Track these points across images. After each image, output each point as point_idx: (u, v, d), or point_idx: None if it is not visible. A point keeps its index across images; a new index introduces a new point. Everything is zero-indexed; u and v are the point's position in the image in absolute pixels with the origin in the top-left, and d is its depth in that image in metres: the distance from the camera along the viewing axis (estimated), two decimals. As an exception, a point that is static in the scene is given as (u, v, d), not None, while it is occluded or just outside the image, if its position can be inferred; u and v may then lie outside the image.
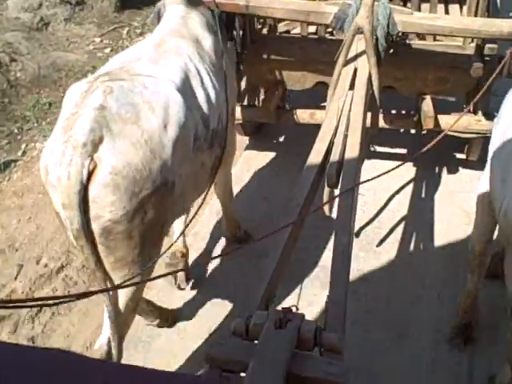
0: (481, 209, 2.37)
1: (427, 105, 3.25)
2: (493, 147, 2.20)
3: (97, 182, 1.82)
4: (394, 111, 3.67)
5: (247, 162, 3.90)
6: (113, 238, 1.92)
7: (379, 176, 2.13)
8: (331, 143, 2.26)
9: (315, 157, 2.23)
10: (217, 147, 2.38)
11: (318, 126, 2.36)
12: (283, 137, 4.18)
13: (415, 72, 3.16)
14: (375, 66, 2.47)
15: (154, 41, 2.35)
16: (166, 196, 2.00)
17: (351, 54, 2.53)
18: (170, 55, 2.24)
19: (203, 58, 2.40)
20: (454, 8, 3.41)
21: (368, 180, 2.05)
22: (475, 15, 2.91)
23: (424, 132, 3.44)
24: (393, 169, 2.09)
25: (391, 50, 2.72)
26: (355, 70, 2.50)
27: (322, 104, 3.64)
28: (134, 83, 1.98)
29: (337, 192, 2.16)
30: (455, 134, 3.18)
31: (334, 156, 2.18)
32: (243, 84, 3.62)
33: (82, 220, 1.83)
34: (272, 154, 3.98)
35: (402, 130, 3.88)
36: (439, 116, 3.26)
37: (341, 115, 2.35)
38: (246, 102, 3.66)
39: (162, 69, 2.15)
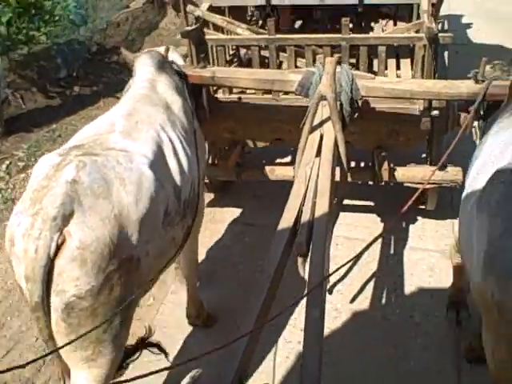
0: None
1: (382, 158, 3.58)
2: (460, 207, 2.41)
3: (64, 256, 1.95)
4: (353, 164, 4.00)
5: (212, 223, 4.14)
6: (76, 314, 2.01)
7: (349, 261, 2.43)
8: (300, 211, 2.43)
9: (285, 226, 2.40)
10: (189, 218, 2.54)
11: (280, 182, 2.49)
12: (250, 193, 4.48)
13: (369, 126, 3.45)
14: (340, 132, 2.72)
15: (126, 109, 2.55)
16: (131, 272, 2.12)
17: (317, 121, 2.77)
18: (143, 126, 2.43)
19: (174, 124, 2.61)
20: (405, 62, 3.75)
21: (337, 269, 2.21)
22: (422, 74, 3.26)
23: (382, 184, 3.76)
24: (368, 246, 2.28)
25: (356, 115, 2.95)
26: (321, 136, 2.74)
27: (280, 160, 4.15)
28: (107, 158, 2.15)
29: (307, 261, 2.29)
30: (412, 185, 3.54)
31: (304, 224, 2.35)
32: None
33: (42, 293, 1.94)
34: (238, 211, 4.25)
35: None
36: (395, 168, 3.63)
37: (309, 182, 2.53)
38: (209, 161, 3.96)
39: (135, 142, 2.32)
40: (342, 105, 2.81)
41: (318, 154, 2.64)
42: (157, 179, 2.24)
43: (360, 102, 2.96)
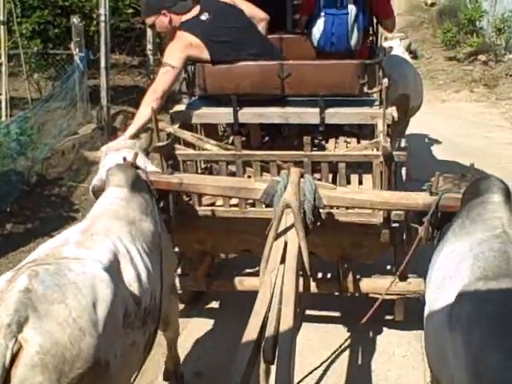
0: None
1: (346, 269, 3.98)
2: (425, 320, 2.66)
3: (24, 363, 2.03)
4: (320, 275, 4.37)
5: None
6: None
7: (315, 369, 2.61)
8: (266, 318, 2.71)
9: (251, 332, 2.66)
10: (150, 324, 2.73)
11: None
12: (219, 303, 4.81)
13: (332, 238, 3.85)
14: (304, 239, 3.04)
15: (83, 226, 2.79)
16: (99, 376, 2.24)
17: (281, 228, 3.10)
18: (98, 237, 2.65)
19: (136, 238, 2.83)
20: (367, 178, 4.19)
21: (305, 376, 2.49)
22: (381, 188, 3.69)
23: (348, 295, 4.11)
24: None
25: (318, 223, 3.31)
26: (285, 244, 3.06)
27: (249, 270, 4.45)
28: (59, 266, 2.31)
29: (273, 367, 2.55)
30: (377, 296, 3.80)
31: (269, 331, 2.62)
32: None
33: None
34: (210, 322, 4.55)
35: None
36: (360, 279, 4.02)
37: (274, 288, 2.83)
38: (179, 271, 4.27)
39: (88, 251, 2.53)
40: (305, 213, 3.15)
41: (283, 260, 2.95)
42: (112, 281, 2.40)
43: (322, 212, 3.34)
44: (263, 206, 3.71)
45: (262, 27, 4.40)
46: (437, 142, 8.85)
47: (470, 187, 2.96)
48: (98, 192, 3.26)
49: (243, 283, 4.16)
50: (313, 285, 3.95)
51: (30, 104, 8.28)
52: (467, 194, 2.93)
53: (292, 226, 3.07)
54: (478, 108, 10.91)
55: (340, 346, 4.14)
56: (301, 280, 3.13)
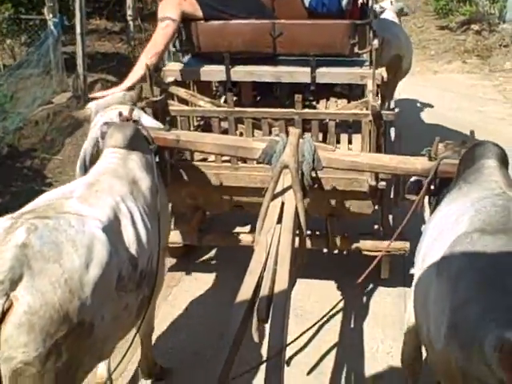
0: (408, 328, 3.06)
1: (334, 225, 4.31)
2: (415, 272, 2.82)
3: (11, 321, 2.11)
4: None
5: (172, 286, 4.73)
6: (24, 381, 2.20)
7: (307, 330, 2.89)
8: (261, 277, 2.85)
9: (245, 292, 2.79)
10: (145, 287, 2.83)
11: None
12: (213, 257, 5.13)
13: (322, 196, 4.09)
14: (301, 201, 3.18)
15: (88, 179, 2.90)
16: (82, 338, 2.34)
17: (278, 189, 3.23)
18: (102, 194, 2.75)
19: (137, 198, 2.94)
20: (356, 137, 4.47)
21: (297, 337, 2.74)
22: (369, 148, 3.99)
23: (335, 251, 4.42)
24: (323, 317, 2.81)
25: (315, 185, 3.48)
26: (282, 204, 3.19)
27: (240, 225, 4.89)
28: (59, 221, 2.39)
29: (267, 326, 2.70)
30: (365, 253, 4.26)
31: (264, 290, 2.76)
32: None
33: None
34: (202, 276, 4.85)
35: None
36: (347, 236, 4.37)
37: (269, 249, 2.95)
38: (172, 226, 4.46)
39: (91, 208, 2.61)
40: (303, 174, 3.30)
41: (279, 221, 3.09)
42: (110, 243, 2.48)
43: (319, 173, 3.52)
44: (254, 162, 3.97)
45: None
46: (429, 106, 9.24)
47: (466, 154, 3.09)
48: (89, 163, 3.35)
49: (234, 238, 4.48)
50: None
51: (2, 70, 8.33)
52: (463, 161, 3.07)
53: (289, 187, 3.21)
54: (471, 80, 11.10)
55: (332, 306, 4.34)
56: (297, 240, 3.27)
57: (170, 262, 4.94)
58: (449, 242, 2.44)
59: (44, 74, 8.64)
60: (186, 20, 4.39)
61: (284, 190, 3.23)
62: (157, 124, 3.75)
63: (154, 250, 2.92)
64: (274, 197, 3.22)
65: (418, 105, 9.31)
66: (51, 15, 8.55)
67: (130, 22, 11.08)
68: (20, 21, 9.48)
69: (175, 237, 4.52)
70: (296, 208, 3.15)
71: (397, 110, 4.33)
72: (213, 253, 5.17)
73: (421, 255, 2.78)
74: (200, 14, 4.33)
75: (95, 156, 3.32)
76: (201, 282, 4.79)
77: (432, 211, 3.17)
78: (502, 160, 2.96)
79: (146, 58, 4.15)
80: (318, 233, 4.57)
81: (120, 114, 3.37)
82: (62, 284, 2.23)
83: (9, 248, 2.19)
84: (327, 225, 4.40)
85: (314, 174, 3.43)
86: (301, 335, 2.89)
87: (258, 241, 3.06)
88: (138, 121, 3.43)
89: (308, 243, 4.18)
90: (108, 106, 3.64)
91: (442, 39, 13.56)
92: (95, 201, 2.68)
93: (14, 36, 9.56)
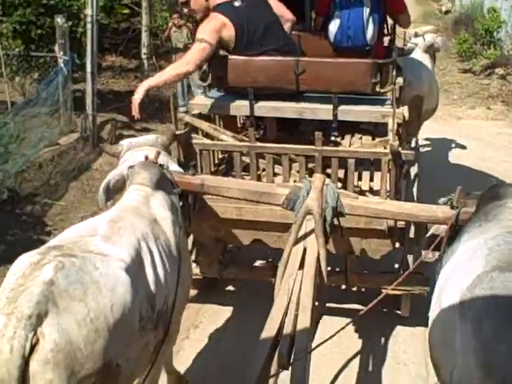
0: None
1: (353, 263, 4.59)
2: (431, 312, 2.98)
3: (37, 358, 2.32)
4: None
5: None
6: None
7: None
8: (282, 322, 3.05)
9: (267, 337, 2.99)
10: (160, 329, 3.04)
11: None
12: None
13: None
14: (323, 247, 3.41)
15: (111, 216, 3.13)
16: (109, 378, 2.55)
17: (301, 234, 3.45)
18: (124, 232, 2.98)
19: (158, 238, 3.17)
20: (378, 175, 4.70)
21: None
22: (389, 182, 4.29)
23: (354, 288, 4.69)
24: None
25: (338, 232, 3.71)
26: (304, 249, 3.41)
27: (260, 259, 5.24)
28: (85, 261, 2.61)
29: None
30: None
31: (286, 336, 2.96)
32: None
33: None
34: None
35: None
36: (366, 274, 4.69)
37: (291, 294, 3.16)
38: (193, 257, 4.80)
39: (114, 247, 2.84)
40: (325, 220, 3.51)
41: (301, 266, 3.30)
42: (132, 285, 2.70)
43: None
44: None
45: (287, 27, 4.99)
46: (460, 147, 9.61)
47: (487, 192, 3.32)
48: (113, 189, 3.64)
49: (254, 271, 4.83)
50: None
51: (10, 109, 8.46)
52: (484, 199, 3.29)
53: (312, 231, 3.44)
54: (496, 127, 11.25)
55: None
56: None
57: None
58: (464, 279, 2.63)
59: (52, 112, 8.86)
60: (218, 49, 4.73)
61: (306, 235, 3.46)
62: (181, 170, 3.99)
63: (171, 292, 3.14)
64: (297, 242, 3.44)
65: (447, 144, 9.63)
66: (62, 53, 8.90)
67: (145, 61, 11.46)
68: (31, 58, 9.76)
69: (195, 269, 4.84)
70: (318, 254, 3.37)
71: (422, 149, 4.58)
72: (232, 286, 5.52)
73: (436, 291, 2.96)
74: (233, 43, 4.70)
75: (119, 185, 3.62)
76: (220, 316, 5.11)
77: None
78: None
79: (174, 68, 4.60)
80: (337, 269, 4.85)
81: (146, 158, 3.62)
82: (88, 323, 2.44)
83: (36, 284, 2.40)
84: (346, 262, 4.65)
85: (340, 221, 3.69)
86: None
87: (280, 286, 3.28)
88: (164, 165, 3.68)
89: (328, 280, 4.44)
90: (139, 146, 3.92)
91: (464, 83, 13.83)
92: (118, 239, 2.91)
93: (24, 73, 9.85)
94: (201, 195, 4.40)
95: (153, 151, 3.72)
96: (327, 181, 3.67)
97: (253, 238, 4.65)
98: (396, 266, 5.04)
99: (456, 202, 3.46)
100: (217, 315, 5.14)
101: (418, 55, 7.34)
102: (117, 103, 10.66)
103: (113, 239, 2.89)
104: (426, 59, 7.46)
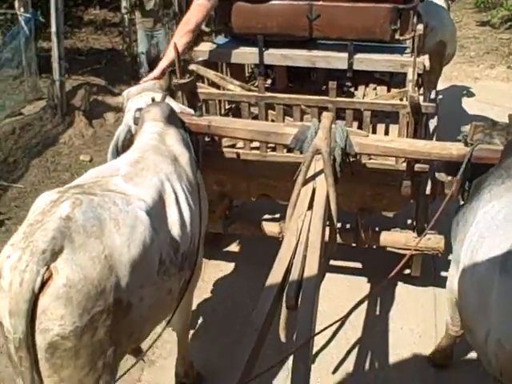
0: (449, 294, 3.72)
1: (365, 220, 4.87)
2: (460, 270, 3.31)
3: (49, 293, 2.57)
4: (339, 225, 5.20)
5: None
6: (59, 354, 2.65)
7: (335, 323, 3.41)
8: (290, 263, 3.37)
9: (274, 278, 3.31)
10: (187, 271, 3.38)
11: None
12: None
13: (353, 188, 4.71)
14: (333, 186, 3.74)
15: (133, 157, 3.46)
16: (119, 316, 2.83)
17: (309, 174, 3.81)
18: (147, 173, 3.31)
19: (180, 176, 3.53)
20: (393, 128, 5.02)
21: (324, 329, 3.23)
22: (406, 136, 4.50)
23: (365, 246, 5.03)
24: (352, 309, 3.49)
25: (347, 171, 4.07)
26: (313, 190, 3.76)
27: (267, 215, 5.68)
28: (104, 198, 2.88)
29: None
30: (396, 250, 4.82)
31: (293, 277, 3.27)
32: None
33: (26, 329, 2.55)
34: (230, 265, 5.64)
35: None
36: (378, 231, 4.93)
37: (300, 235, 3.51)
38: None
39: (136, 187, 3.15)
40: (335, 160, 3.86)
41: (310, 207, 3.63)
42: (152, 226, 3.00)
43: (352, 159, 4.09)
44: (284, 151, 4.60)
45: None
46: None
47: (510, 145, 3.62)
48: (121, 146, 4.03)
49: (261, 228, 5.09)
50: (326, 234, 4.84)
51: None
52: (506, 151, 3.59)
53: (321, 172, 3.78)
54: None
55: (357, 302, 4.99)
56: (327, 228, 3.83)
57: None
58: (503, 238, 2.92)
59: (14, 77, 8.88)
60: None
61: (315, 175, 3.81)
62: (187, 111, 4.36)
63: (196, 231, 3.49)
64: (306, 182, 3.78)
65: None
66: (22, 9, 8.78)
67: (126, 16, 11.32)
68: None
69: None
70: (327, 194, 3.72)
71: (440, 97, 4.88)
72: (237, 243, 6.05)
73: (465, 252, 3.25)
74: None
75: (127, 143, 3.96)
76: (225, 272, 5.59)
77: (467, 200, 3.70)
78: None
79: (177, 37, 4.80)
80: (347, 226, 5.22)
81: (153, 100, 4.00)
82: (102, 260, 2.70)
83: (53, 219, 2.68)
84: (358, 219, 4.96)
85: (350, 160, 4.04)
86: (329, 326, 3.37)
87: (289, 227, 3.61)
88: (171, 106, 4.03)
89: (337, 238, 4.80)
90: (139, 93, 4.30)
91: (482, 37, 14.05)
92: (141, 180, 3.23)
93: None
94: (205, 147, 4.73)
95: (158, 95, 4.12)
96: (336, 120, 4.01)
97: (260, 192, 5.02)
98: (409, 221, 5.42)
99: (470, 139, 3.81)
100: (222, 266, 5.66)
101: (438, 0, 7.72)
102: (95, 63, 10.68)
103: (135, 180, 3.21)
104: (443, 4, 7.89)
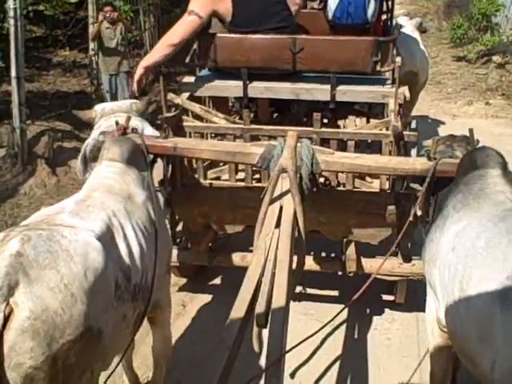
0: (431, 333, 3.80)
1: (350, 248, 5.12)
2: (446, 301, 3.40)
3: (14, 327, 2.63)
4: (323, 254, 5.59)
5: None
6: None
7: (309, 338, 3.51)
8: (259, 282, 3.51)
9: (244, 296, 3.43)
10: (141, 303, 3.51)
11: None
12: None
13: (338, 217, 4.94)
14: (300, 204, 3.91)
15: (79, 196, 3.59)
16: (91, 343, 2.95)
17: (277, 193, 3.99)
18: (93, 209, 3.41)
19: (131, 214, 3.62)
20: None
21: (298, 344, 3.38)
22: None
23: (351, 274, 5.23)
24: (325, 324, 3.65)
25: (315, 189, 4.27)
26: (281, 208, 3.94)
27: (251, 246, 5.61)
28: (52, 232, 2.96)
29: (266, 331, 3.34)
30: (380, 277, 4.97)
31: (263, 295, 3.39)
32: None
33: None
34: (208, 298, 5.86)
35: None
36: (363, 259, 5.15)
37: (268, 253, 3.67)
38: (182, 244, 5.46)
39: (82, 220, 3.25)
40: (301, 178, 4.05)
41: (278, 225, 3.80)
42: (104, 250, 3.11)
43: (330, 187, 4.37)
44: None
45: (294, 10, 5.53)
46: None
47: (467, 157, 3.84)
48: (90, 157, 4.18)
49: (245, 259, 5.31)
50: (315, 264, 5.16)
51: None
52: (463, 165, 3.79)
53: (288, 191, 3.95)
54: (497, 127, 11.53)
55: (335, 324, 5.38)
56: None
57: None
58: (496, 269, 3.02)
59: None
60: (208, 28, 5.33)
61: (282, 194, 3.98)
62: (156, 134, 4.53)
63: (149, 267, 3.61)
64: (273, 201, 3.96)
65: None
66: None
67: (93, 58, 11.45)
68: None
69: (186, 257, 5.46)
70: (295, 212, 3.89)
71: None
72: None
73: (450, 281, 3.33)
74: (228, 19, 5.26)
75: (95, 154, 4.10)
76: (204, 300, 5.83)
77: (433, 216, 3.90)
78: (504, 167, 3.70)
79: (161, 45, 5.13)
80: (333, 255, 5.47)
81: (116, 123, 4.16)
82: (62, 289, 2.80)
83: (3, 257, 2.74)
84: (343, 248, 5.22)
85: (316, 178, 4.28)
86: (300, 343, 3.49)
87: (256, 245, 3.77)
88: (136, 129, 4.23)
89: (322, 266, 5.18)
90: (113, 113, 4.46)
91: (459, 73, 14.46)
92: (87, 215, 3.33)
93: None
94: (190, 180, 5.00)
95: (124, 117, 4.27)
96: (302, 139, 4.22)
97: (246, 223, 5.22)
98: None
99: (433, 153, 4.05)
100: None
101: (409, 31, 8.26)
102: (61, 107, 10.60)
103: (81, 215, 3.30)
104: (417, 36, 8.45)
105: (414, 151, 5.73)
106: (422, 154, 4.21)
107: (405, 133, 4.77)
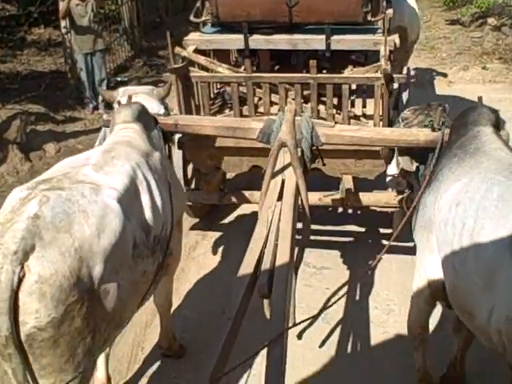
0: (417, 298, 4.13)
1: (349, 184, 5.84)
2: (448, 255, 3.64)
3: (23, 289, 2.99)
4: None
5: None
6: (38, 345, 3.08)
7: (321, 310, 4.07)
8: (262, 253, 3.84)
9: (246, 267, 3.75)
10: (159, 254, 3.90)
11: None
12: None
13: (336, 155, 5.54)
14: (301, 177, 4.32)
15: (105, 147, 3.98)
16: (95, 303, 3.29)
17: (278, 166, 4.41)
18: (118, 161, 3.78)
19: (151, 167, 4.02)
20: (370, 102, 6.01)
21: (303, 321, 3.74)
22: (382, 109, 5.45)
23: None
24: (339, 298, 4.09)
25: (318, 160, 4.77)
26: (283, 181, 4.34)
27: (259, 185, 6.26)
28: (72, 192, 3.30)
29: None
30: (377, 208, 5.92)
31: (265, 266, 3.71)
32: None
33: (11, 326, 2.96)
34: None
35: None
36: (361, 193, 5.88)
37: (270, 225, 4.02)
38: (193, 186, 6.21)
39: (106, 176, 3.60)
40: (303, 151, 4.49)
41: (280, 198, 4.19)
42: (123, 212, 3.44)
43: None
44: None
45: None
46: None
47: (459, 119, 4.13)
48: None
49: (253, 197, 6.04)
50: (316, 199, 5.79)
51: None
52: (455, 127, 4.10)
53: (289, 164, 4.36)
54: (496, 93, 11.34)
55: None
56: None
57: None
58: (506, 219, 3.26)
59: None
60: None
61: (284, 168, 4.41)
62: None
63: (168, 218, 4.02)
64: (275, 175, 4.38)
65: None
66: None
67: (66, 36, 11.31)
68: None
69: (197, 196, 6.23)
70: (297, 185, 4.28)
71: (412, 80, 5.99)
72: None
73: (456, 236, 3.54)
74: None
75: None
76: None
77: (425, 182, 4.15)
78: (495, 124, 4.02)
79: None
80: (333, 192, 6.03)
81: (130, 98, 4.71)
82: (72, 253, 3.12)
83: (21, 219, 3.08)
84: (342, 183, 5.86)
85: (319, 150, 4.74)
86: (312, 317, 3.96)
87: (259, 218, 4.13)
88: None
89: (323, 201, 5.86)
90: (136, 94, 4.92)
91: (453, 37, 14.68)
92: (111, 168, 3.70)
93: None
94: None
95: (147, 99, 4.82)
96: (302, 112, 4.69)
97: (251, 164, 5.91)
98: None
99: (437, 124, 4.40)
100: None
101: None
102: (35, 89, 10.73)
103: (105, 169, 3.67)
104: None
105: (405, 94, 6.59)
106: (425, 125, 4.57)
107: (395, 75, 5.47)
